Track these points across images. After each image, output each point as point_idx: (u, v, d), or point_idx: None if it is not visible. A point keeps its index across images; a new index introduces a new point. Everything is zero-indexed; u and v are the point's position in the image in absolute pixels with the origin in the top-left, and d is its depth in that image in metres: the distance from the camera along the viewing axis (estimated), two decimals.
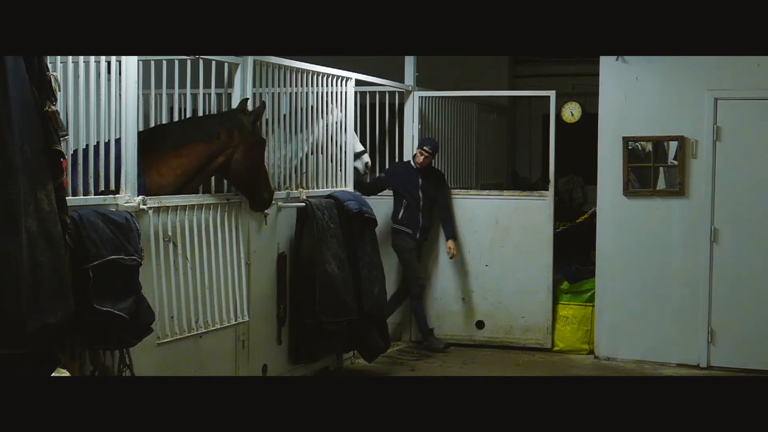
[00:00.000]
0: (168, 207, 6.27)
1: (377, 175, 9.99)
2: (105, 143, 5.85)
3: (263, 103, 7.13)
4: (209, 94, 7.08)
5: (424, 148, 9.58)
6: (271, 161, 7.57)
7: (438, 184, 9.77)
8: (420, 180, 9.59)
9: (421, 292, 9.62)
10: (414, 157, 9.63)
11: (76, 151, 5.66)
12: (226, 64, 7.10)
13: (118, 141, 5.95)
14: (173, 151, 6.51)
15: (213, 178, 6.93)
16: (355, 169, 8.97)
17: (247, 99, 7.01)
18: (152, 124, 7.10)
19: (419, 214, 9.56)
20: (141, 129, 6.42)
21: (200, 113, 6.98)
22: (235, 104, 7.13)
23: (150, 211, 6.06)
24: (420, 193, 9.57)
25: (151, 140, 6.39)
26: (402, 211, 9.59)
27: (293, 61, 7.74)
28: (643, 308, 9.17)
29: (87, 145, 5.75)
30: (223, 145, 6.67)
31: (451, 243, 9.62)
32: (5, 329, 4.47)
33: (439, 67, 11.37)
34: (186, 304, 6.43)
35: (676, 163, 9.01)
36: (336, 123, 8.59)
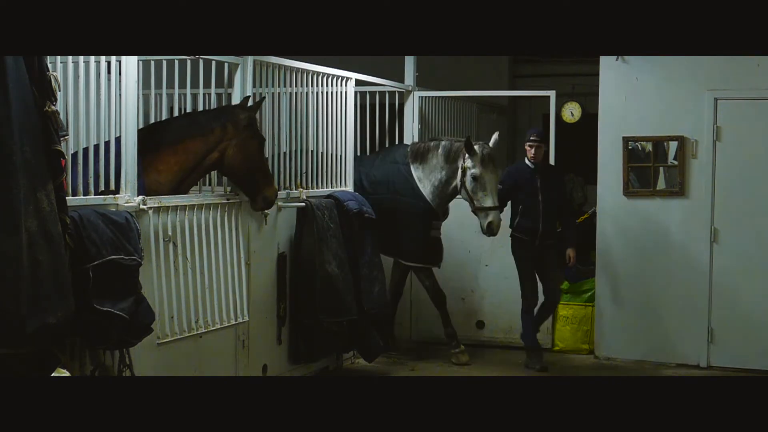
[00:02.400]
0: (168, 207, 6.27)
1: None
2: (105, 142, 5.85)
3: (262, 99, 7.12)
4: (209, 94, 7.08)
5: (531, 138, 8.89)
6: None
7: (559, 185, 9.17)
8: (538, 180, 8.87)
9: (533, 305, 8.97)
10: (526, 154, 9.00)
11: (76, 152, 5.66)
12: (226, 64, 7.10)
13: (118, 139, 5.95)
14: (171, 148, 6.51)
15: (216, 174, 6.95)
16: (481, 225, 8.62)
17: (249, 97, 7.00)
18: None
19: (539, 219, 8.81)
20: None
21: None
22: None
23: (150, 211, 6.06)
24: (539, 195, 8.84)
25: (148, 138, 6.38)
26: (518, 217, 8.93)
27: (293, 61, 7.74)
28: (643, 308, 9.18)
29: (87, 147, 5.75)
30: (217, 141, 6.66)
31: (571, 252, 8.99)
32: (5, 329, 4.48)
33: (439, 67, 11.37)
34: (186, 304, 6.42)
35: (676, 163, 9.01)
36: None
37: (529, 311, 8.97)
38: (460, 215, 9.41)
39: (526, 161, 8.93)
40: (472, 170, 8.56)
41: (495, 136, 8.86)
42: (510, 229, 8.95)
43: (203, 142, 6.59)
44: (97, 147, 5.78)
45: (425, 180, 8.92)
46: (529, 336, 8.98)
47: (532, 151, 8.84)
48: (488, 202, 8.55)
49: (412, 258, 9.12)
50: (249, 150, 6.79)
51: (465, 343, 9.34)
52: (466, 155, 8.58)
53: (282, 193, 7.64)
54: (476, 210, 8.64)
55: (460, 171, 8.66)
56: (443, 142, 8.90)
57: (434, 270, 9.21)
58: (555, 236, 8.98)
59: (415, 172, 8.96)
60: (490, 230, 8.57)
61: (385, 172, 9.13)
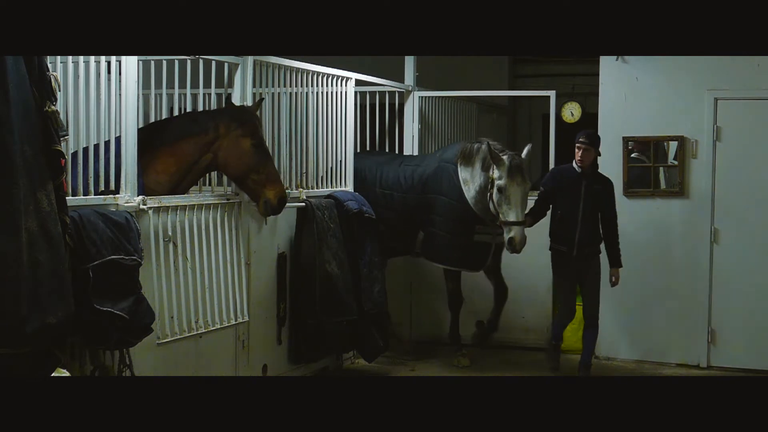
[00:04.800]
0: (168, 207, 6.27)
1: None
2: (105, 141, 5.85)
3: (261, 99, 7.04)
4: (209, 94, 7.08)
5: (580, 140, 8.22)
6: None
7: (607, 194, 8.38)
8: (583, 186, 8.23)
9: (566, 320, 8.46)
10: (575, 157, 8.33)
11: (76, 152, 5.66)
12: (226, 64, 7.10)
13: (118, 139, 5.95)
14: (169, 147, 6.48)
15: (216, 174, 6.92)
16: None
17: (230, 93, 6.90)
18: None
19: (576, 227, 8.18)
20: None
21: None
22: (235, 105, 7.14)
23: (150, 211, 6.07)
24: (581, 201, 8.20)
25: (147, 137, 6.36)
26: (555, 224, 8.39)
27: (293, 61, 7.74)
28: (643, 308, 9.18)
29: (86, 147, 5.74)
30: (211, 141, 6.60)
31: (614, 272, 8.42)
32: (5, 329, 4.48)
33: (439, 67, 11.38)
34: (186, 304, 6.43)
35: (676, 163, 9.02)
36: None
37: (561, 324, 8.50)
38: None
39: (574, 164, 8.32)
40: (498, 181, 8.14)
41: (528, 147, 8.44)
42: (549, 240, 8.45)
43: (198, 142, 6.54)
44: (96, 147, 5.78)
45: (470, 182, 8.52)
46: (554, 337, 8.56)
47: (580, 153, 8.20)
48: (512, 217, 8.08)
49: (441, 259, 8.82)
50: (239, 151, 6.65)
51: (465, 343, 9.34)
52: (494, 165, 8.19)
53: None
54: (501, 224, 8.19)
55: (489, 181, 8.30)
56: (483, 146, 8.45)
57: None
58: (596, 247, 8.35)
59: (462, 173, 8.56)
60: (512, 247, 8.09)
61: (435, 170, 8.79)
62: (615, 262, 8.40)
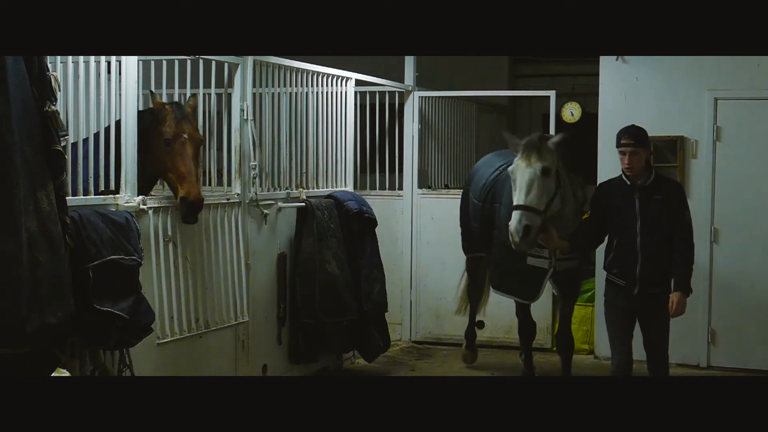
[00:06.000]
0: (168, 207, 6.27)
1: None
2: (84, 139, 5.76)
3: (193, 94, 6.67)
4: (209, 94, 7.08)
5: (621, 142, 6.29)
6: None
7: (673, 204, 6.32)
8: (637, 201, 6.29)
9: (623, 368, 6.58)
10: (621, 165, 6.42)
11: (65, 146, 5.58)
12: (226, 64, 7.11)
13: (96, 135, 5.81)
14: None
15: (215, 174, 6.92)
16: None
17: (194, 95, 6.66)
18: None
19: (636, 257, 6.25)
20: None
21: (200, 113, 6.97)
22: (235, 104, 7.15)
23: (150, 211, 6.07)
24: (637, 222, 6.25)
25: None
26: (612, 252, 6.43)
27: (293, 61, 7.74)
28: None
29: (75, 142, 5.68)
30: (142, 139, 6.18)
31: (675, 296, 6.27)
32: (5, 329, 4.48)
33: (439, 67, 11.37)
34: (186, 304, 6.43)
35: (675, 163, 9.01)
36: None
37: (620, 374, 6.55)
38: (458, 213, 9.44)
39: (623, 176, 6.43)
40: (510, 166, 6.91)
41: (557, 136, 7.03)
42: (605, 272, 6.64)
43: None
44: (86, 141, 5.72)
45: None
46: None
47: (626, 159, 6.27)
48: (514, 200, 6.67)
49: (492, 282, 7.97)
50: (157, 150, 6.18)
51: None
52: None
53: (282, 193, 7.64)
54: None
55: None
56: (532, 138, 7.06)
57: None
58: (667, 286, 6.36)
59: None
60: (510, 237, 6.60)
61: (500, 174, 7.73)
62: (679, 284, 6.28)
